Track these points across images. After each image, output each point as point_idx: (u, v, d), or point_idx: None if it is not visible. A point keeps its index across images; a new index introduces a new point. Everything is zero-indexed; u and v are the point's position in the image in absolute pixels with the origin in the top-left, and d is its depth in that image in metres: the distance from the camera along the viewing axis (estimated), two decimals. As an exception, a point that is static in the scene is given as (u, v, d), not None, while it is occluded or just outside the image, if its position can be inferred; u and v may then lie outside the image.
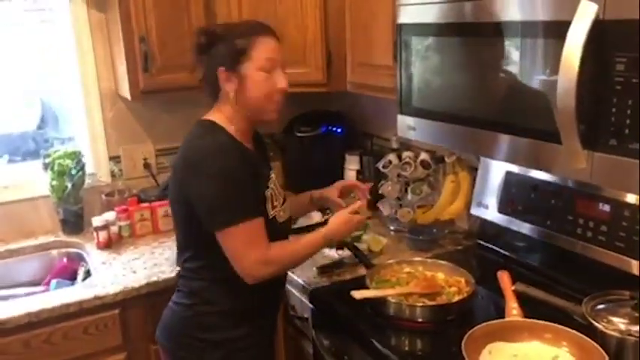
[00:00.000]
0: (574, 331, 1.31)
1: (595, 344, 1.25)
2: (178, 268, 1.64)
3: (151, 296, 1.89)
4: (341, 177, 2.57)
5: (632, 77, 1.03)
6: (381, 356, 1.43)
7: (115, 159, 2.45)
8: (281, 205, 1.60)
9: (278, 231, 1.54)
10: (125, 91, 2.20)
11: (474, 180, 1.99)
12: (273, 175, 1.60)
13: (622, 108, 1.07)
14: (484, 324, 1.37)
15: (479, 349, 1.31)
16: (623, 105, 1.06)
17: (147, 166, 2.50)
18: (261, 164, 1.58)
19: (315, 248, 1.58)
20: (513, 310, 1.48)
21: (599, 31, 1.07)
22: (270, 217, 1.52)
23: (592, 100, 1.11)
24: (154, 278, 1.93)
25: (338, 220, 1.61)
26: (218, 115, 1.52)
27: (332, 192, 1.82)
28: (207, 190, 1.42)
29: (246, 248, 1.44)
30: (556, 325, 1.35)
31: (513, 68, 1.33)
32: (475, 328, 1.34)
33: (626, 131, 1.06)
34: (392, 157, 2.21)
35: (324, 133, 2.55)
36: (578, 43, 1.08)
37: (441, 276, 1.69)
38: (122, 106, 2.42)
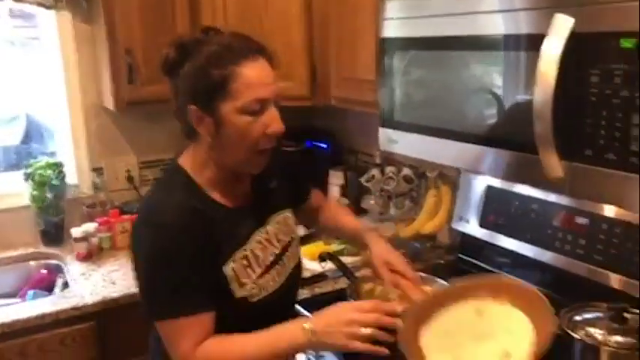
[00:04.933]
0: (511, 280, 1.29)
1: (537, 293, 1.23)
2: None
3: (130, 308, 1.86)
4: (326, 192, 2.57)
5: (606, 89, 1.06)
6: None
7: (97, 171, 2.43)
8: (265, 268, 1.24)
9: (253, 312, 1.20)
10: (109, 103, 2.20)
11: (455, 194, 2.00)
12: (265, 231, 1.27)
13: (597, 119, 1.08)
14: (410, 308, 1.27)
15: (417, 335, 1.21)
16: (598, 116, 1.08)
17: (130, 178, 2.48)
18: (238, 224, 1.22)
19: (278, 350, 1.12)
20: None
21: (574, 44, 1.09)
22: (239, 297, 1.18)
23: (568, 112, 1.13)
24: (134, 290, 1.89)
25: (336, 316, 1.11)
26: (189, 159, 1.22)
27: (381, 266, 1.39)
28: (139, 270, 1.17)
29: (172, 341, 1.14)
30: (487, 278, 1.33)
31: (493, 81, 1.36)
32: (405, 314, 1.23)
33: (601, 142, 1.08)
34: (375, 171, 2.23)
35: (308, 149, 2.56)
36: (554, 56, 1.10)
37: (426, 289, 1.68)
38: (106, 118, 2.42)
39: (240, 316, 1.18)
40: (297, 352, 1.19)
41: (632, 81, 1.01)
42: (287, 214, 1.36)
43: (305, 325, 1.10)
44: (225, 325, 1.16)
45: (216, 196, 1.21)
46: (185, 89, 1.15)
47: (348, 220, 1.58)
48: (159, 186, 1.26)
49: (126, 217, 2.29)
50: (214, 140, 1.16)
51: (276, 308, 1.24)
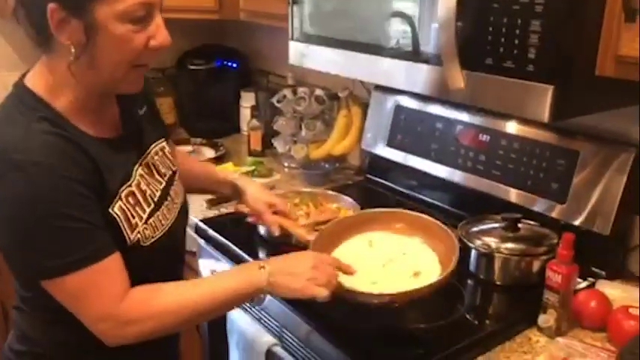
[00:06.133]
0: (427, 218, 1.30)
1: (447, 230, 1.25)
2: None
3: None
4: (237, 114, 2.50)
5: (509, -5, 1.05)
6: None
7: (-17, 87, 2.22)
8: (154, 205, 1.07)
9: (145, 259, 1.04)
10: (-8, 9, 1.98)
11: (366, 115, 1.99)
12: (146, 163, 1.09)
13: (498, 27, 1.08)
14: (329, 225, 1.35)
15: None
16: (499, 24, 1.08)
17: (22, 96, 2.29)
18: (116, 157, 1.02)
19: (234, 295, 1.04)
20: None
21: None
22: (131, 242, 1.01)
23: (471, 20, 1.12)
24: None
25: (296, 261, 1.09)
26: (41, 78, 0.99)
27: (264, 209, 1.37)
28: (6, 226, 0.93)
29: (80, 303, 0.95)
30: (407, 212, 1.35)
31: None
32: (320, 234, 1.30)
33: (501, 50, 1.09)
34: (287, 92, 2.17)
35: (218, 68, 2.46)
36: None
37: (332, 206, 1.69)
38: (-10, 27, 2.19)
39: (132, 267, 1.00)
40: (252, 296, 1.07)
41: (533, -14, 1.00)
42: (164, 145, 1.18)
43: (261, 264, 1.06)
44: None
45: (81, 125, 0.98)
46: None
47: (211, 168, 1.52)
48: (6, 118, 0.97)
49: (18, 137, 2.12)
50: (81, 51, 0.92)
51: (169, 251, 1.12)
